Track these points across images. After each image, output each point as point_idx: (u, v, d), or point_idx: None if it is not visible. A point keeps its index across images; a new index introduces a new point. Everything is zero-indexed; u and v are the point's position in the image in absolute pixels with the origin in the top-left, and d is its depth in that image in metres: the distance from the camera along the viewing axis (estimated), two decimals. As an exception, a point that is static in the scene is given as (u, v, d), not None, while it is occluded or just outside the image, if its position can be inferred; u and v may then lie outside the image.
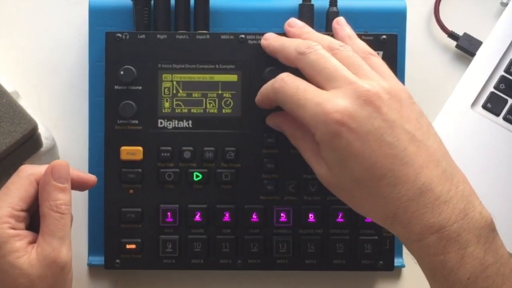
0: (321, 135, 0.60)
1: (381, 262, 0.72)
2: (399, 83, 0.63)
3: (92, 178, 0.67)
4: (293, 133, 0.67)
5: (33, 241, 0.62)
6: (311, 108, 0.60)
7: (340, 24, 0.69)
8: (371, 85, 0.60)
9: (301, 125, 0.65)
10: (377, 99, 0.59)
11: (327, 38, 0.66)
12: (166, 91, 0.70)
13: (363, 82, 0.60)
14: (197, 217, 0.71)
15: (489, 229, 0.58)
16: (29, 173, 0.64)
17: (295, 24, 0.69)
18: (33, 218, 0.65)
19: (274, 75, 0.65)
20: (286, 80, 0.63)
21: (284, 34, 0.69)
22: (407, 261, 0.75)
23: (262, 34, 0.70)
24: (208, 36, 0.70)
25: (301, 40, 0.66)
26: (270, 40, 0.69)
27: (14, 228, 0.61)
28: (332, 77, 0.61)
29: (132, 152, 0.70)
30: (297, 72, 0.64)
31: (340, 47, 0.64)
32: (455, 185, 0.58)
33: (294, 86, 0.62)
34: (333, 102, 0.59)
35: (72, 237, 0.64)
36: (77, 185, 0.66)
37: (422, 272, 0.61)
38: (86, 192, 0.73)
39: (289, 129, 0.67)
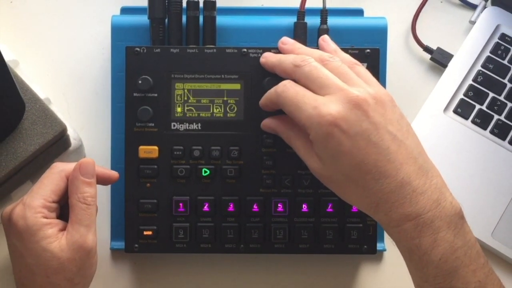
0: (315, 134, 0.60)
1: (365, 246, 0.72)
2: (382, 88, 0.63)
3: (115, 174, 0.68)
4: (287, 134, 0.67)
5: (63, 229, 0.63)
6: (307, 111, 0.60)
7: (326, 40, 0.69)
8: (359, 91, 0.60)
9: (294, 126, 0.65)
10: (365, 104, 0.60)
11: (317, 52, 0.66)
12: (178, 97, 0.71)
13: (352, 88, 0.61)
14: (205, 207, 0.71)
15: (458, 217, 0.59)
16: (60, 169, 0.65)
17: (287, 41, 0.69)
18: (63, 208, 0.65)
19: (272, 84, 0.66)
20: (287, 86, 0.63)
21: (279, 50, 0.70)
22: (388, 246, 0.75)
23: (262, 48, 0.70)
24: (215, 50, 0.71)
25: (295, 55, 0.66)
26: (268, 58, 0.69)
27: (46, 217, 0.62)
28: (325, 85, 0.61)
29: (149, 151, 0.71)
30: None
31: (330, 58, 0.64)
32: (429, 179, 0.59)
33: (294, 91, 0.62)
34: (327, 106, 0.60)
35: (96, 225, 0.64)
36: (101, 180, 0.66)
37: (401, 255, 0.61)
38: (109, 186, 0.73)
39: (283, 130, 0.67)
